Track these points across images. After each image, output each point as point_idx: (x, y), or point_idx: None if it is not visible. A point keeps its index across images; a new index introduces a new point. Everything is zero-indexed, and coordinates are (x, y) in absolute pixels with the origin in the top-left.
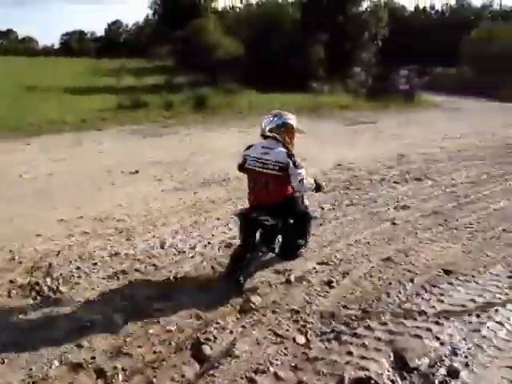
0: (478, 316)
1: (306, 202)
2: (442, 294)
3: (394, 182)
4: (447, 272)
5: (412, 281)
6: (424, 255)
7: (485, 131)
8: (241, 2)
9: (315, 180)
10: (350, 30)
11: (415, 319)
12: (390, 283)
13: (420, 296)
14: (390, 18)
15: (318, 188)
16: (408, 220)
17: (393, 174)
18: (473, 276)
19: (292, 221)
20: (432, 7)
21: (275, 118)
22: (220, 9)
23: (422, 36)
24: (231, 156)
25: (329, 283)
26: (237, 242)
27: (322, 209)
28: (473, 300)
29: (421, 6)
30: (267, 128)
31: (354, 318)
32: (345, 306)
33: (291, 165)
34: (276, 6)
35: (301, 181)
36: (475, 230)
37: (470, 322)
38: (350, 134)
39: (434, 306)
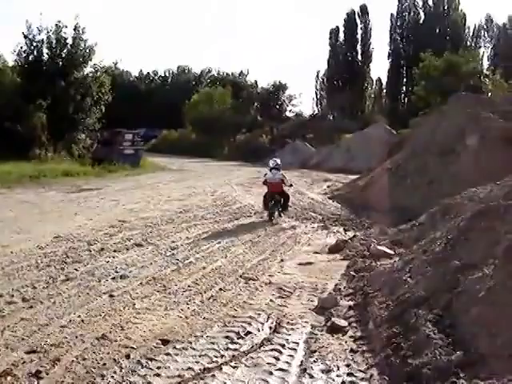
0: None
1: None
2: (159, 367)
3: (115, 251)
4: (164, 342)
5: (128, 357)
6: (141, 327)
7: (205, 191)
8: None
9: (290, 182)
10: (73, 95)
11: None
12: (105, 364)
13: (136, 373)
14: (114, 82)
15: (291, 185)
16: (126, 290)
17: (113, 242)
18: (190, 342)
19: (283, 199)
20: (155, 73)
21: (275, 162)
22: None
23: (147, 100)
24: None
25: (37, 374)
26: None
27: (35, 288)
28: (190, 368)
29: (145, 72)
30: (273, 165)
31: None
32: None
33: (284, 178)
34: None
35: (287, 182)
36: (193, 292)
37: None
38: (73, 202)
39: (150, 382)
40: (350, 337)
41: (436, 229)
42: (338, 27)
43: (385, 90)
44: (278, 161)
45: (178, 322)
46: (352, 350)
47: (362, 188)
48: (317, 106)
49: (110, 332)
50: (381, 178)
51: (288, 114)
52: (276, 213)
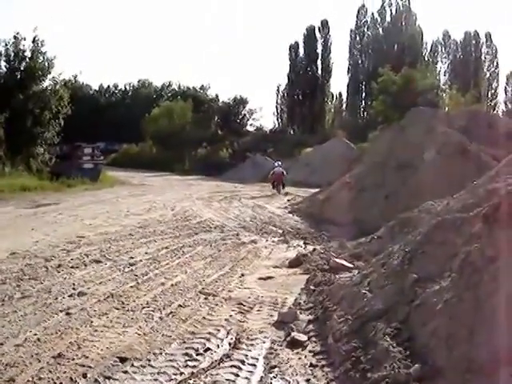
0: None
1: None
2: None
3: (72, 267)
4: (122, 360)
5: (85, 376)
6: (99, 345)
7: (165, 205)
8: None
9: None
10: (31, 108)
11: None
12: (61, 383)
13: None
14: (74, 96)
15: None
16: (83, 308)
17: (71, 258)
18: (148, 360)
19: (282, 183)
20: (115, 86)
21: (278, 164)
22: None
23: (108, 114)
24: None
25: None
26: None
27: None
28: None
29: (105, 85)
30: (278, 163)
31: None
32: None
33: (284, 171)
34: None
35: (285, 175)
36: (152, 309)
37: None
38: (31, 217)
39: None
40: (310, 351)
41: (394, 242)
42: (297, 43)
43: (344, 105)
44: (280, 162)
45: (136, 339)
46: (312, 365)
47: (321, 202)
48: (277, 120)
49: (67, 350)
50: (340, 191)
51: (249, 128)
52: (280, 190)
